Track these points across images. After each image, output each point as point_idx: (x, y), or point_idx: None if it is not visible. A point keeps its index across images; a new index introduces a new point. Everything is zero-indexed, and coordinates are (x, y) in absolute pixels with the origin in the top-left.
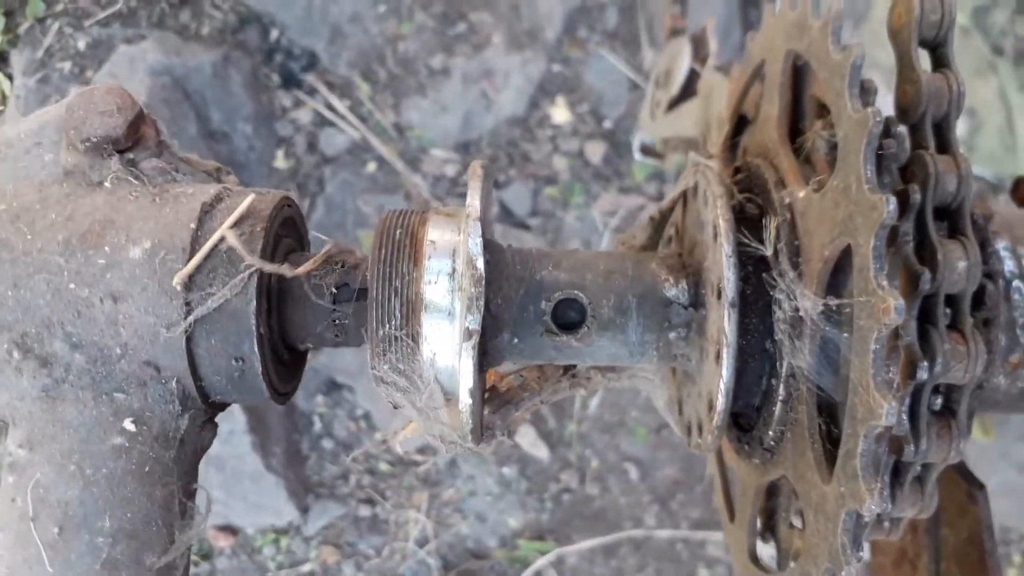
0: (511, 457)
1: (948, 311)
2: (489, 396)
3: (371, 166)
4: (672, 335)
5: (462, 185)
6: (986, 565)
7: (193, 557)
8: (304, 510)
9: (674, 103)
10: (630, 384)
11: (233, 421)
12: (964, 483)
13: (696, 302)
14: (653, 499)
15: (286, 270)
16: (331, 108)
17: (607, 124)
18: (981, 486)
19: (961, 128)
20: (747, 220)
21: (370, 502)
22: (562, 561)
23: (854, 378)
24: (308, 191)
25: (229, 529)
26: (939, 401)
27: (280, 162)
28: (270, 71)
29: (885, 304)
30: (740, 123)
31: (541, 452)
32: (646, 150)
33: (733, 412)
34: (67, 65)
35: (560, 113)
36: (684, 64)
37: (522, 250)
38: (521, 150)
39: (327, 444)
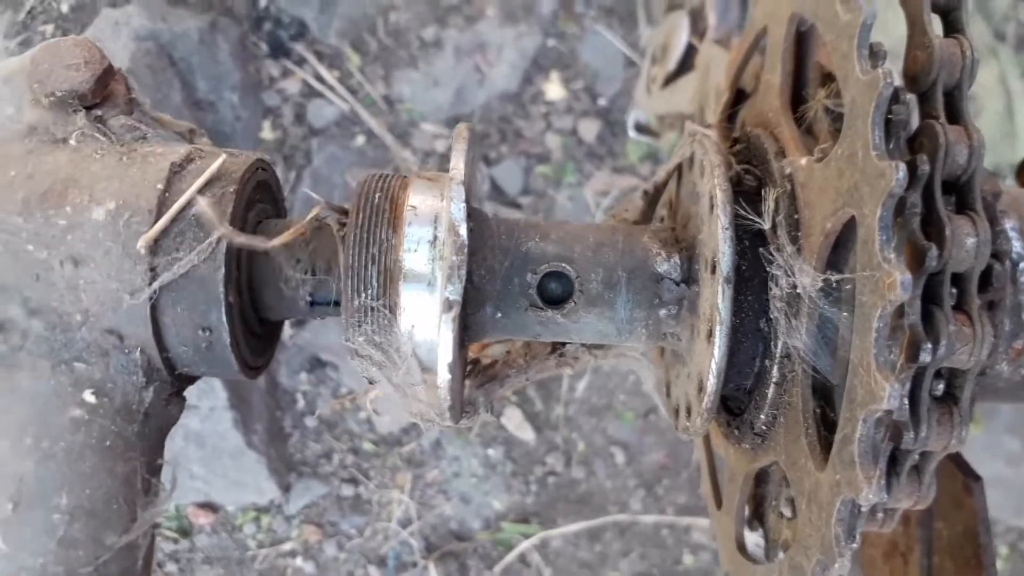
0: (496, 439)
1: (953, 291)
2: (472, 370)
3: (359, 139)
4: (662, 312)
5: None
6: (981, 560)
7: (172, 534)
8: (286, 488)
9: (671, 78)
10: (617, 362)
11: (214, 397)
12: (960, 475)
13: (688, 278)
14: (639, 484)
15: (260, 242)
16: (320, 79)
17: (602, 102)
18: (978, 478)
19: None
20: (745, 193)
21: (353, 482)
22: (546, 544)
23: (854, 359)
24: (295, 163)
25: (209, 506)
26: (941, 386)
27: (267, 133)
28: (258, 39)
29: (891, 279)
30: (739, 97)
31: (527, 434)
32: (641, 128)
33: (723, 395)
34: (49, 28)
35: (554, 89)
36: (682, 38)
37: (508, 220)
38: (514, 126)
39: (310, 422)
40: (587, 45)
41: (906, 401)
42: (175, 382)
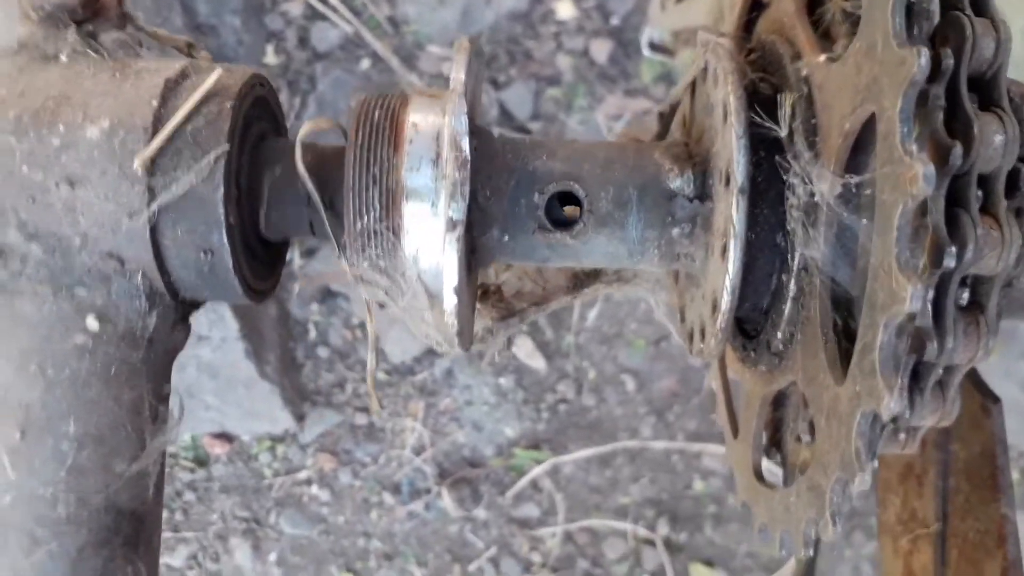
0: (508, 367)
1: (979, 194)
2: (490, 298)
3: (365, 63)
4: (675, 231)
5: None
6: (997, 481)
7: (189, 464)
8: (300, 418)
9: None
10: (632, 291)
11: (225, 328)
12: (979, 395)
13: (702, 194)
14: (650, 410)
15: None
16: (323, 0)
17: (614, 20)
18: (996, 399)
19: None
20: (761, 101)
21: (366, 410)
22: (557, 470)
23: (874, 262)
24: (299, 89)
25: (225, 436)
26: (965, 295)
27: (270, 58)
28: None
29: (912, 172)
30: (755, 8)
31: (538, 363)
32: (655, 46)
33: (738, 317)
34: None
35: (565, 8)
36: None
37: (514, 138)
38: (523, 48)
39: (322, 352)
40: None
41: (929, 306)
42: (179, 307)
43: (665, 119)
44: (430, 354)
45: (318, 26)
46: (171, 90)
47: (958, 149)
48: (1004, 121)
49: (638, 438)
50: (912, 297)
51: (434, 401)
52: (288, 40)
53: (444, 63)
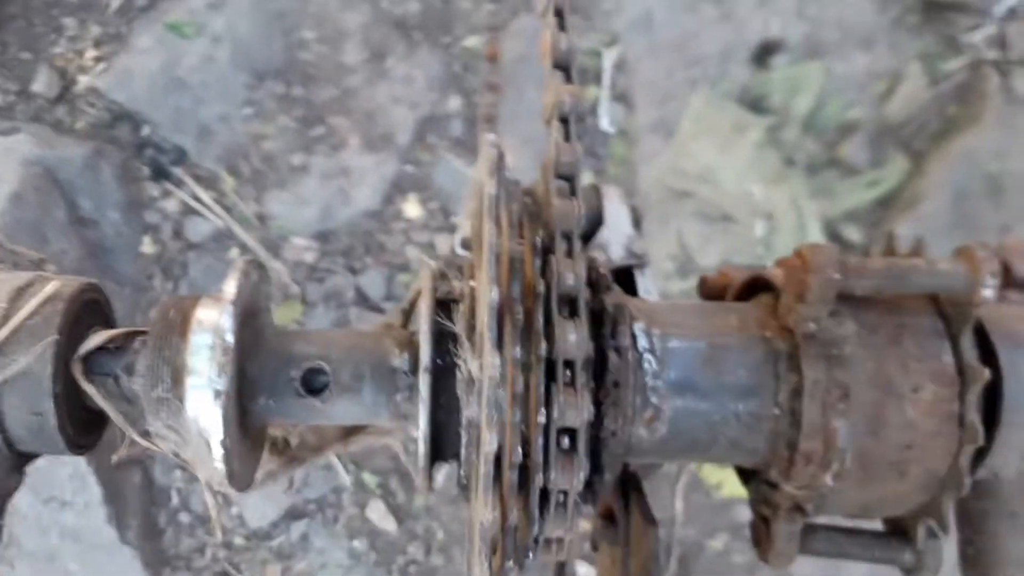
0: (361, 530)
1: (568, 374)
2: (283, 449)
3: (234, 252)
4: (398, 397)
5: (321, 270)
6: None
7: None
8: None
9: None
10: (390, 441)
11: (88, 493)
12: (642, 518)
13: (416, 370)
14: None
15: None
16: (197, 199)
17: (455, 219)
18: (653, 523)
19: (760, 230)
20: (448, 304)
21: (225, 575)
22: None
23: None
24: (172, 275)
25: None
26: (567, 442)
27: (147, 247)
28: (140, 163)
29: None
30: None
31: (390, 525)
32: (466, 246)
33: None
34: None
35: (412, 208)
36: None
37: (284, 329)
38: (376, 240)
39: (184, 518)
40: (440, 171)
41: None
42: (14, 458)
43: (406, 313)
44: (287, 518)
45: (192, 220)
46: (20, 295)
47: (544, 345)
48: (577, 326)
49: None
50: (490, 440)
51: (290, 564)
52: (164, 232)
53: (306, 252)
